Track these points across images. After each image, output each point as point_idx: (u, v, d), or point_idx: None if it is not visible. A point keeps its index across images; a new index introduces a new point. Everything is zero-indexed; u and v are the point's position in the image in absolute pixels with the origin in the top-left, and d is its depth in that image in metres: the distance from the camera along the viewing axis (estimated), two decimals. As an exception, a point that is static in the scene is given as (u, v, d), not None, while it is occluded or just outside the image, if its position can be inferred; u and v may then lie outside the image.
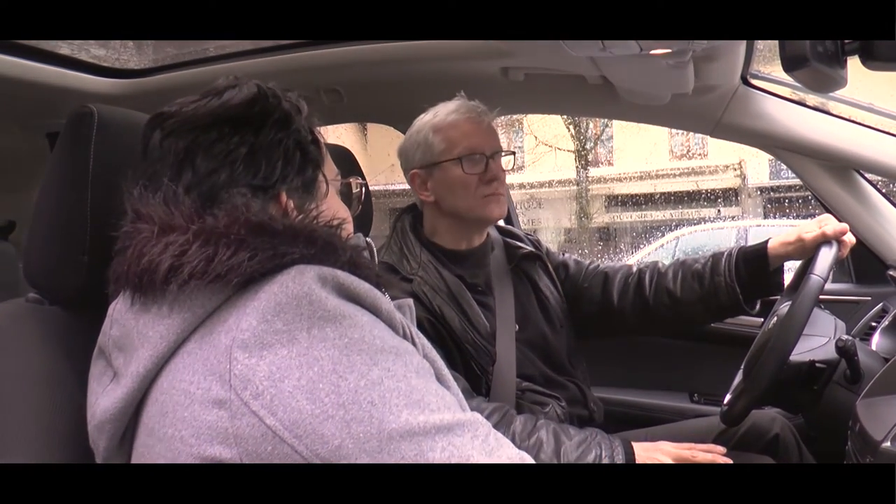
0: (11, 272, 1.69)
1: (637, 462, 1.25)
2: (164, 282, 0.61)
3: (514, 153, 1.47)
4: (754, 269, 1.45)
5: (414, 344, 0.69)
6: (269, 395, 0.56)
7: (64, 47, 1.83)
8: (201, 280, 0.60)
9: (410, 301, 0.83)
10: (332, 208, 0.80)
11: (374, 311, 0.64)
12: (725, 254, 1.49)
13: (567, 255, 1.67)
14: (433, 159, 1.42)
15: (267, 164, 0.72)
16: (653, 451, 1.27)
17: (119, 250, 0.67)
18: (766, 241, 1.45)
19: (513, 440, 1.18)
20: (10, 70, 1.71)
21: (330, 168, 0.84)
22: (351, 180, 0.91)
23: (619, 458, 1.24)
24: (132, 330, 0.64)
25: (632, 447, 1.26)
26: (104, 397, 0.65)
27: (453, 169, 1.39)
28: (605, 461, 1.23)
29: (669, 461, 1.25)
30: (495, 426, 0.99)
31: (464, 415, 0.61)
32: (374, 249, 0.83)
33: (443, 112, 1.43)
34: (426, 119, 1.44)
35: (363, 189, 0.94)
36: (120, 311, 0.67)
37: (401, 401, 0.57)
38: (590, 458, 1.22)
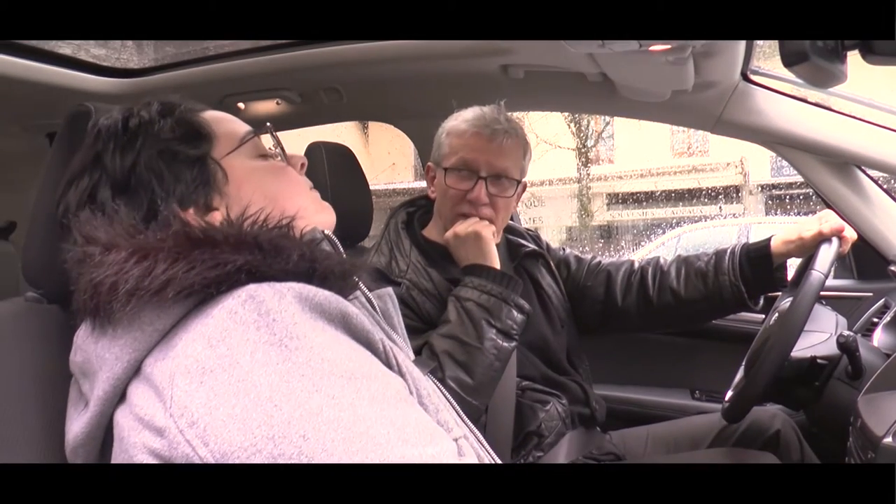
0: (12, 273, 1.69)
1: (487, 266, 1.32)
2: (108, 302, 0.59)
3: (520, 182, 1.43)
4: (758, 267, 1.45)
5: (388, 357, 0.64)
6: (203, 423, 0.52)
7: (64, 47, 1.84)
8: (141, 297, 0.58)
9: (390, 290, 0.80)
10: (266, 191, 0.76)
11: (342, 320, 0.61)
12: (728, 252, 1.48)
13: (568, 251, 1.67)
14: (438, 160, 1.43)
15: (142, 192, 0.70)
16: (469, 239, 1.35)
17: (77, 282, 0.65)
18: (769, 239, 1.45)
19: (441, 381, 1.16)
20: (11, 70, 1.71)
21: (225, 142, 0.77)
22: (256, 135, 0.81)
23: (479, 283, 1.29)
24: (92, 354, 0.63)
25: (472, 265, 1.32)
26: (75, 422, 0.64)
27: (442, 176, 1.40)
28: (482, 298, 1.27)
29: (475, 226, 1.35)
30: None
31: (423, 450, 0.54)
32: (336, 241, 0.77)
33: (462, 117, 1.42)
34: (447, 120, 1.45)
35: (278, 140, 0.86)
36: (82, 337, 0.65)
37: (339, 434, 0.51)
38: (477, 313, 1.26)
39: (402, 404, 0.58)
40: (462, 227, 1.35)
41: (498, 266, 1.33)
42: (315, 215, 0.81)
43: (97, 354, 0.62)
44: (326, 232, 0.76)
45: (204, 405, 0.53)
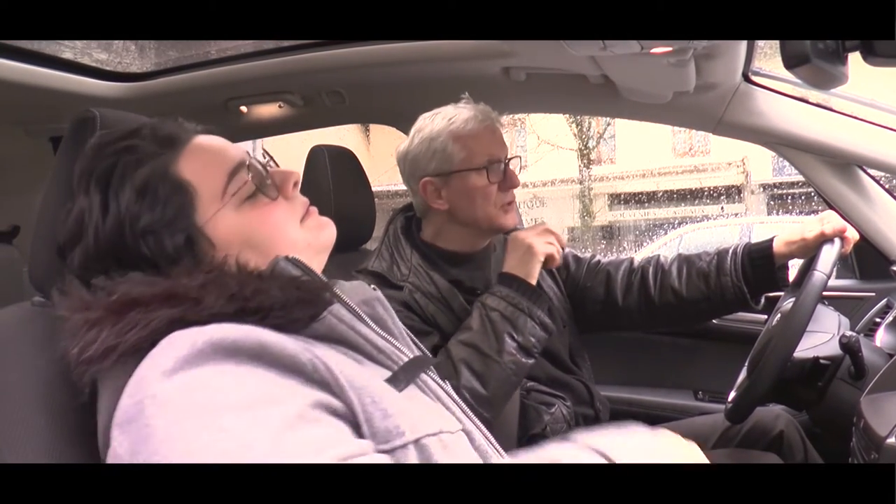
0: (16, 276, 1.70)
1: (523, 276, 1.30)
2: (80, 368, 0.64)
3: (519, 157, 1.45)
4: (760, 267, 1.45)
5: (321, 373, 0.63)
6: None
7: (66, 51, 1.84)
8: (93, 363, 0.62)
9: (378, 294, 0.79)
10: (254, 243, 0.76)
11: (259, 352, 0.61)
12: (730, 252, 1.48)
13: (566, 250, 1.66)
14: (452, 168, 1.37)
15: (129, 261, 0.72)
16: (521, 249, 1.32)
17: None
18: (771, 239, 1.45)
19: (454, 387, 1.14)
20: (13, 74, 1.71)
21: (209, 200, 0.76)
22: (241, 170, 0.78)
23: (511, 295, 1.28)
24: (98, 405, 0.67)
25: (510, 274, 1.31)
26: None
27: (475, 178, 1.36)
28: (510, 311, 1.26)
29: (536, 240, 1.32)
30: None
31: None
32: (303, 265, 0.75)
33: (460, 119, 1.38)
34: (441, 126, 1.39)
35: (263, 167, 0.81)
36: None
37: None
38: (501, 325, 1.25)
39: (302, 423, 0.58)
40: (532, 234, 1.34)
41: (533, 283, 1.31)
42: (309, 246, 0.80)
43: (99, 406, 0.66)
44: (291, 257, 0.75)
45: (128, 452, 0.56)
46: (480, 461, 0.73)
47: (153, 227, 0.73)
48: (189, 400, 0.57)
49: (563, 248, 1.37)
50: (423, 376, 0.77)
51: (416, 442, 0.65)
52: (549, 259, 1.33)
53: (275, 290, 0.68)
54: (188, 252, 0.74)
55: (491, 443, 0.78)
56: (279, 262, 0.74)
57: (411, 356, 0.78)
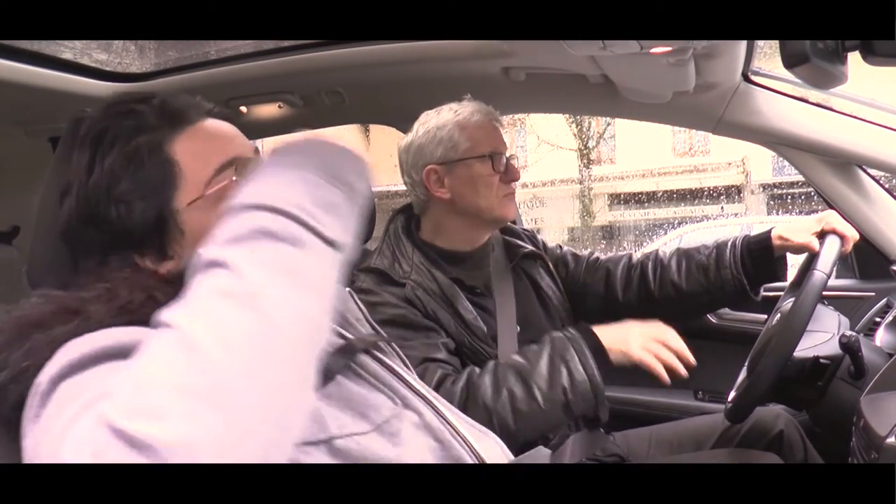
0: (16, 276, 1.70)
1: (607, 348, 1.25)
2: None
3: (517, 157, 1.48)
4: (759, 259, 1.46)
5: None
6: None
7: (66, 52, 1.84)
8: (9, 388, 0.62)
9: (345, 293, 0.79)
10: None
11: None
12: (729, 244, 1.49)
13: (565, 248, 1.67)
14: (457, 156, 1.41)
15: (102, 230, 0.73)
16: (620, 332, 1.28)
17: None
18: (769, 232, 1.46)
19: (485, 404, 1.19)
20: (13, 75, 1.71)
21: (191, 186, 0.74)
22: (219, 175, 0.75)
23: (587, 356, 1.23)
24: None
25: (596, 337, 1.26)
26: None
27: (479, 166, 1.40)
28: (578, 371, 1.21)
29: (638, 337, 1.27)
30: (465, 400, 1.20)
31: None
32: None
33: (466, 111, 1.43)
34: (447, 117, 1.43)
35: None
36: None
37: None
38: (564, 379, 1.21)
39: None
40: (643, 334, 1.28)
41: (611, 362, 1.27)
42: None
43: None
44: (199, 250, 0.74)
45: (27, 458, 0.56)
46: (431, 442, 0.75)
47: (129, 195, 0.72)
48: (73, 402, 0.55)
49: (682, 363, 1.29)
50: (364, 360, 0.76)
51: (328, 443, 0.66)
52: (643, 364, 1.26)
53: (168, 299, 0.65)
54: (155, 232, 0.73)
55: (445, 419, 0.78)
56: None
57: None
